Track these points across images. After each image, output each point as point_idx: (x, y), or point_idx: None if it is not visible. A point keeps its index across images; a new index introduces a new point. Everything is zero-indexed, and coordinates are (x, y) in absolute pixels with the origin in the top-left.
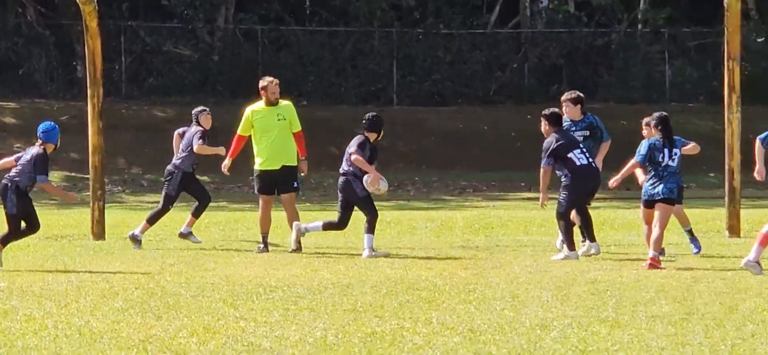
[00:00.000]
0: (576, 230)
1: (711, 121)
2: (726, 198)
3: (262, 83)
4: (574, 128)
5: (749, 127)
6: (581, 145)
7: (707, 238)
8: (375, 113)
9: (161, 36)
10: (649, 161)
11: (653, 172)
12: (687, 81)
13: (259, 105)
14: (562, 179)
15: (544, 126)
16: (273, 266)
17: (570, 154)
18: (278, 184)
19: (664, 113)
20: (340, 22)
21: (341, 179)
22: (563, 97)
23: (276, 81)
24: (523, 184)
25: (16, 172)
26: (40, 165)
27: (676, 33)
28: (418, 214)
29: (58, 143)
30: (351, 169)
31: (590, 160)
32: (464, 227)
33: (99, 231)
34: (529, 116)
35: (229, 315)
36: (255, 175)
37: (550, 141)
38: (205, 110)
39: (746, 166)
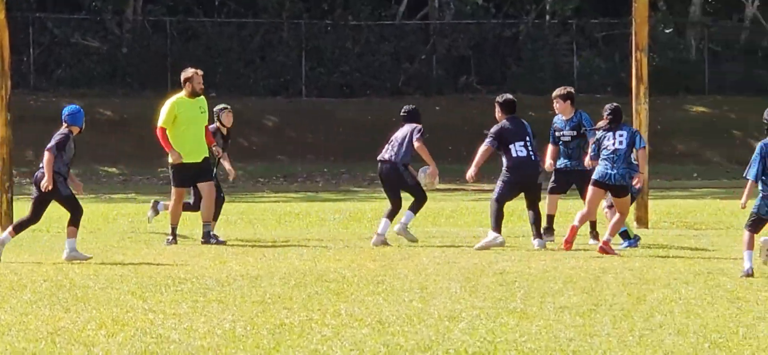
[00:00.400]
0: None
1: None
2: None
3: (186, 74)
4: (563, 127)
5: (657, 118)
6: (528, 138)
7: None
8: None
9: (70, 27)
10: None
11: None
12: (595, 72)
13: (181, 96)
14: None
15: (497, 112)
16: (182, 258)
17: (511, 145)
18: (199, 176)
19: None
20: (249, 13)
21: (386, 167)
22: (554, 94)
23: (201, 72)
24: None
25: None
26: (56, 139)
27: (584, 24)
28: (327, 205)
29: (83, 127)
30: (399, 157)
31: (531, 153)
32: (373, 219)
33: (7, 223)
34: (437, 108)
35: (138, 307)
36: (175, 167)
37: (499, 124)
38: (226, 108)
39: (653, 157)
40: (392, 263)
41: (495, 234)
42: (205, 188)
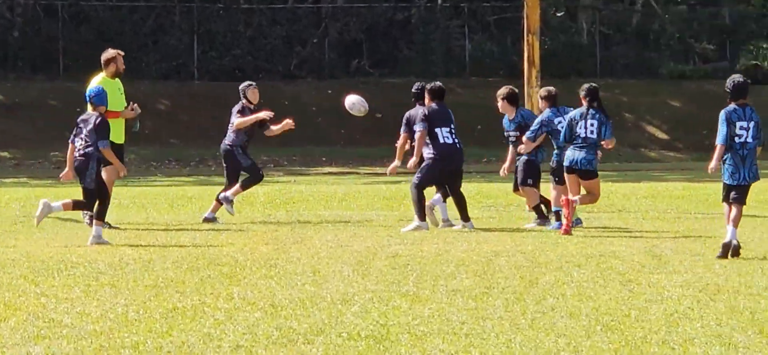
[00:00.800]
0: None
1: None
2: None
3: (108, 55)
4: (508, 127)
5: None
6: (452, 126)
7: (508, 212)
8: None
9: None
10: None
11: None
12: (487, 56)
13: (105, 77)
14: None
15: (426, 99)
16: (74, 242)
17: (438, 129)
18: (120, 157)
19: (594, 85)
20: None
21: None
22: (497, 93)
23: (122, 52)
24: (324, 159)
25: (90, 143)
26: (102, 131)
27: (476, 8)
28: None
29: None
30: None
31: (455, 140)
32: (266, 202)
33: None
34: (329, 91)
35: (30, 292)
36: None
37: (427, 108)
38: (251, 85)
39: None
40: (285, 246)
41: (419, 221)
42: (114, 171)
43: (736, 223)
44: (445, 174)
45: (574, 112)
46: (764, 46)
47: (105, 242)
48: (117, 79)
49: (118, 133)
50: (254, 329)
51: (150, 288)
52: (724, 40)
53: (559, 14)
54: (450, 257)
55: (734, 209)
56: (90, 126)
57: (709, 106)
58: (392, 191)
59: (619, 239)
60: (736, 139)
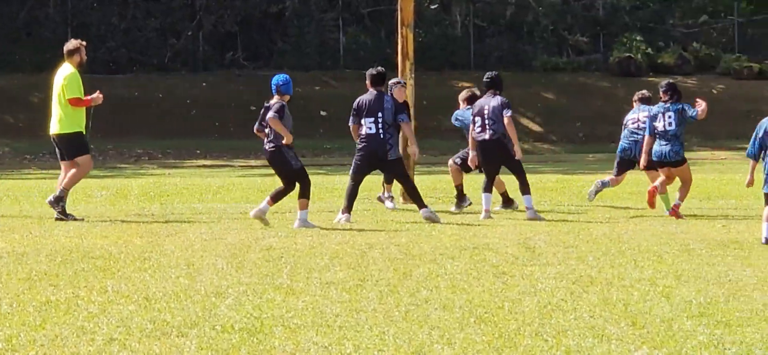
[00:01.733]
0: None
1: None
2: None
3: (72, 46)
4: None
5: (422, 94)
6: (379, 114)
7: (382, 204)
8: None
9: None
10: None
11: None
12: (361, 48)
13: (71, 68)
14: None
15: (368, 81)
16: None
17: (363, 120)
18: (86, 146)
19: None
20: None
21: (493, 142)
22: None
23: (84, 42)
24: (198, 151)
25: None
26: (275, 111)
27: (350, 0)
28: (93, 182)
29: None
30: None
31: (380, 130)
32: (139, 195)
33: None
34: (204, 84)
35: None
36: (78, 137)
37: (358, 99)
38: (399, 83)
39: (420, 132)
40: (159, 239)
41: (343, 215)
42: (86, 159)
43: None
44: (368, 164)
45: (655, 108)
46: (637, 38)
47: None
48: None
49: (82, 121)
50: (128, 322)
51: (23, 281)
52: (597, 32)
53: (433, 7)
54: (324, 250)
55: None
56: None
57: (582, 99)
58: (266, 184)
59: (493, 231)
60: None
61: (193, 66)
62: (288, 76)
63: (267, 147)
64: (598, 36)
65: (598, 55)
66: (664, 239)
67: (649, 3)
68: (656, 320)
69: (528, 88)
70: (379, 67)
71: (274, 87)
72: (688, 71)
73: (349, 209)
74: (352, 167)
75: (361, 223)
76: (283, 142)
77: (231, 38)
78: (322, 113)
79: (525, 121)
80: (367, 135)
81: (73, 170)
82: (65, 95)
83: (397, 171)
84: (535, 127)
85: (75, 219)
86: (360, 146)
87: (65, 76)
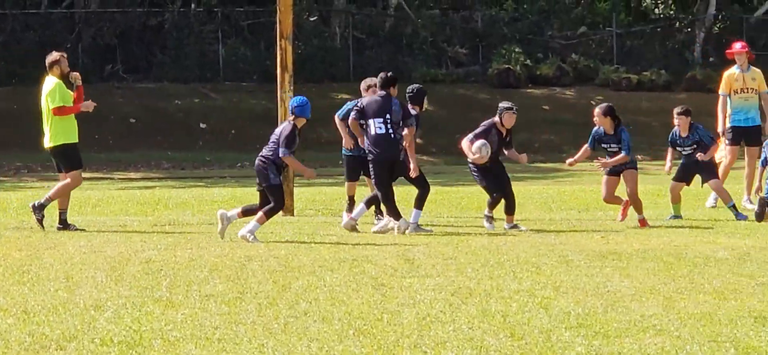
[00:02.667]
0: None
1: (264, 100)
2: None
3: (53, 58)
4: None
5: None
6: (387, 116)
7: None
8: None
9: None
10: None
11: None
12: (241, 60)
13: (54, 80)
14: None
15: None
16: None
17: (370, 121)
18: (78, 156)
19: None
20: None
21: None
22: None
23: (65, 54)
24: None
25: (270, 149)
26: (285, 139)
27: (230, 12)
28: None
29: (310, 117)
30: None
31: (390, 130)
32: (18, 208)
33: None
34: None
35: None
36: (73, 149)
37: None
38: (510, 109)
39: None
40: (38, 252)
41: (399, 222)
42: (77, 174)
43: None
44: (379, 164)
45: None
46: (516, 50)
47: None
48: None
49: (75, 132)
50: (6, 335)
51: None
52: (476, 44)
53: (312, 19)
54: (203, 262)
55: None
56: (278, 132)
57: (462, 110)
58: (146, 197)
59: (372, 243)
60: None
61: None
62: (305, 99)
63: (260, 160)
64: (477, 48)
65: (477, 66)
66: (542, 250)
67: (528, 15)
68: (535, 332)
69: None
70: (390, 72)
71: (290, 109)
72: (566, 83)
73: (398, 214)
74: (373, 180)
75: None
76: (306, 176)
77: (110, 51)
78: (202, 126)
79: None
80: (377, 135)
81: (62, 183)
82: (50, 106)
83: (406, 172)
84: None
85: (70, 228)
86: (371, 151)
87: (49, 89)
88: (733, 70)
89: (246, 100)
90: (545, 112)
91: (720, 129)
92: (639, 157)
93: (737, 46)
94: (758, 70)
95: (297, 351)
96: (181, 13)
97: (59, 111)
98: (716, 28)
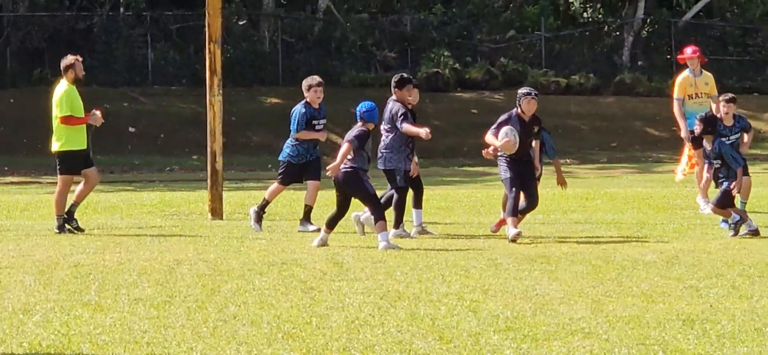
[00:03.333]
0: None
1: (194, 104)
2: (209, 181)
3: (67, 62)
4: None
5: (231, 110)
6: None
7: (190, 220)
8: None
9: None
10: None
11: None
12: (170, 64)
13: (70, 85)
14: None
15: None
16: None
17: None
18: (86, 161)
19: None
20: None
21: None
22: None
23: (80, 58)
24: (6, 168)
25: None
26: (358, 141)
27: (159, 16)
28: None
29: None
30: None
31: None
32: None
33: None
34: (12, 100)
35: None
36: (66, 155)
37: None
38: (529, 94)
39: (228, 148)
40: None
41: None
42: (92, 172)
43: None
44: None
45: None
46: (445, 54)
47: None
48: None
49: (81, 139)
50: None
51: None
52: (405, 48)
53: (241, 23)
54: (132, 266)
55: None
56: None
57: None
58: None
59: (301, 246)
60: None
61: (1, 82)
62: (373, 104)
63: (342, 167)
64: (406, 51)
65: (406, 70)
66: (471, 253)
67: (457, 19)
68: (463, 335)
69: (337, 104)
70: (404, 74)
71: (358, 113)
72: (495, 87)
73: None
74: (402, 183)
75: (169, 239)
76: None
77: (39, 55)
78: (131, 130)
79: (334, 137)
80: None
81: (81, 186)
82: (58, 114)
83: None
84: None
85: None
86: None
87: (58, 95)
88: (687, 74)
89: (175, 104)
90: (474, 115)
91: (683, 134)
92: (567, 160)
93: (688, 50)
94: (710, 75)
95: None
96: (110, 17)
97: (67, 120)
98: (644, 32)
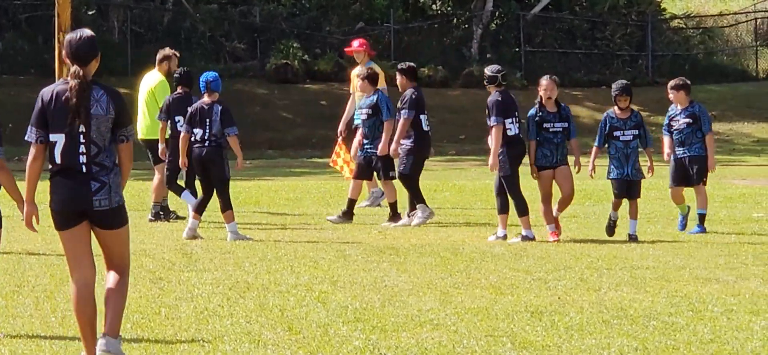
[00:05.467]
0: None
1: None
2: None
3: (165, 53)
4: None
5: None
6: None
7: (40, 211)
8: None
9: None
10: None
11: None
12: (18, 54)
13: (160, 77)
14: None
15: (400, 79)
16: None
17: (422, 116)
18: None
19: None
20: None
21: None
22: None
23: (177, 53)
24: None
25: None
26: (228, 117)
27: (8, 5)
28: None
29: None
30: None
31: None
32: None
33: None
34: None
35: None
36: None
37: (409, 93)
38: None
39: None
40: None
41: (423, 210)
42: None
43: None
44: (425, 159)
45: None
46: (294, 45)
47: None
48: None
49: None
50: None
51: None
52: (254, 39)
53: (90, 13)
54: None
55: None
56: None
57: (239, 106)
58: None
59: (151, 237)
60: None
61: None
62: (217, 74)
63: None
64: (256, 43)
65: (256, 61)
66: (320, 245)
67: (307, 10)
68: (312, 326)
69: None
70: (412, 64)
71: (203, 85)
72: (344, 78)
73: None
74: (411, 164)
75: (18, 230)
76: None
77: None
78: None
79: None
80: (425, 132)
81: (156, 182)
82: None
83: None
84: None
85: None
86: (418, 142)
87: (154, 84)
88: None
89: (24, 94)
90: (323, 107)
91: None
92: None
93: (355, 43)
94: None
95: (74, 345)
96: None
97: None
98: (493, 25)
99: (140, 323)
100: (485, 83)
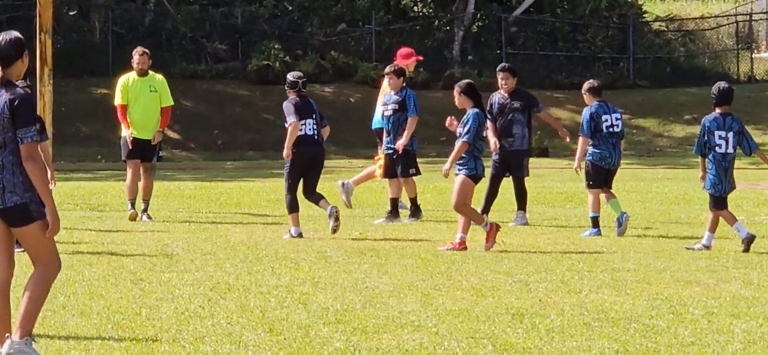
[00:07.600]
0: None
1: None
2: None
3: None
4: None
5: (61, 100)
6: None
7: None
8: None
9: None
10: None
11: None
12: None
13: (132, 74)
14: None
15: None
16: None
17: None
18: (143, 152)
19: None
20: None
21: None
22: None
23: (141, 51)
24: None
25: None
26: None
27: None
28: None
29: None
30: None
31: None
32: None
33: None
34: None
35: None
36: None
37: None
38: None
39: (58, 139)
40: None
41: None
42: (147, 166)
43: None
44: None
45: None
46: (276, 46)
47: None
48: (149, 77)
49: (140, 128)
50: None
51: None
52: (236, 40)
53: (71, 13)
54: None
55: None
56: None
57: (221, 107)
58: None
59: (132, 237)
60: (717, 150)
61: None
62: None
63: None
64: (237, 44)
65: (237, 62)
66: (300, 246)
67: (288, 11)
68: (293, 327)
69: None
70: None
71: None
72: (325, 80)
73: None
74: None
75: None
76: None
77: None
78: None
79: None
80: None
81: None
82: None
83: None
84: (174, 135)
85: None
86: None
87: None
88: None
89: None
90: None
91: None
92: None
93: None
94: None
95: (55, 346)
96: None
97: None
98: (475, 27)
99: (121, 324)
100: (285, 88)
